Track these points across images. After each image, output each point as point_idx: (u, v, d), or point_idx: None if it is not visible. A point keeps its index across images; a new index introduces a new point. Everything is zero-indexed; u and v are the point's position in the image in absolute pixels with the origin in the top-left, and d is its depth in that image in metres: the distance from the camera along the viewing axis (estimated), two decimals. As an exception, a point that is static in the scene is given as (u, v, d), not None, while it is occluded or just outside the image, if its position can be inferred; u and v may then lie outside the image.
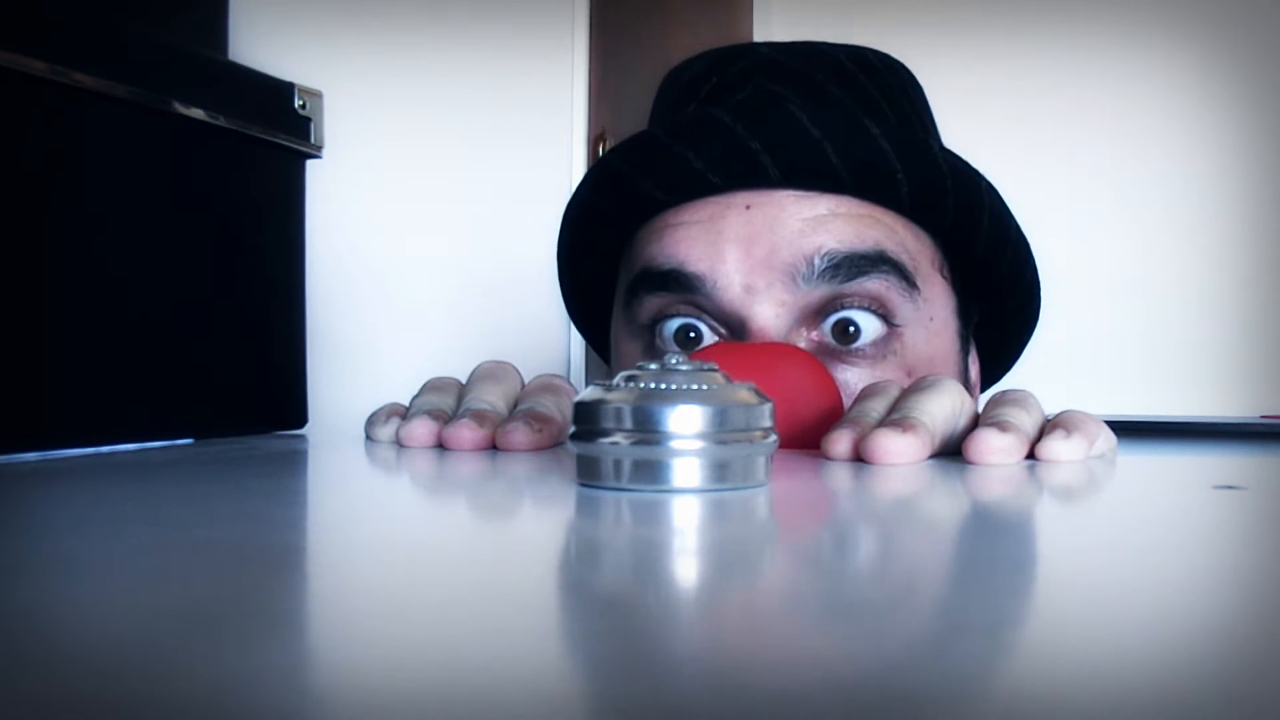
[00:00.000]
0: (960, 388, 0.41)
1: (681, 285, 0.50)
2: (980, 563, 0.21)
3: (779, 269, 0.49)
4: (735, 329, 0.50)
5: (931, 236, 0.53)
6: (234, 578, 0.18)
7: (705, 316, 0.51)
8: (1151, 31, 1.72)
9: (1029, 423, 0.38)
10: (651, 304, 0.52)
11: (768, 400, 0.30)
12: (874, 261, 0.49)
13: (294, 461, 0.42)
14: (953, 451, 0.39)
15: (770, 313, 0.49)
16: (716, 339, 0.51)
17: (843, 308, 0.49)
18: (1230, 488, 0.30)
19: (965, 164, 0.51)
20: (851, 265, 0.49)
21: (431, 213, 0.98)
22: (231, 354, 0.49)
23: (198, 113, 0.46)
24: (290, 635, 0.15)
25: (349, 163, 0.74)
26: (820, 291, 0.49)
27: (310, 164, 0.54)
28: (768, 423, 0.30)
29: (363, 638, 0.14)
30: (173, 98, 0.45)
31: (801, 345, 0.49)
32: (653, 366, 0.29)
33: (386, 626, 0.15)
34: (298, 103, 0.52)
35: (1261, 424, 1.55)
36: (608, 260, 0.57)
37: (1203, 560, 0.21)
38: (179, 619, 0.15)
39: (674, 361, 0.29)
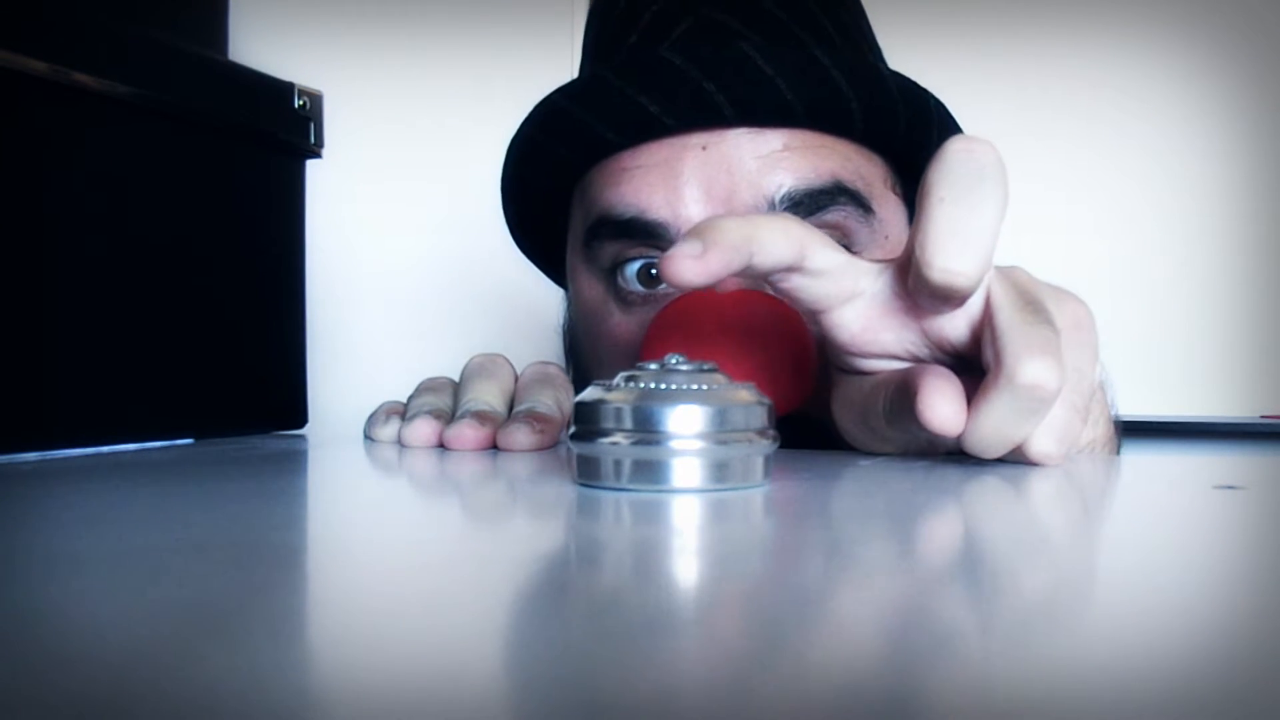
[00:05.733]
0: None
1: (643, 232, 0.50)
2: (979, 562, 0.21)
3: (739, 211, 0.49)
4: None
5: (882, 155, 0.53)
6: (234, 578, 0.18)
7: None
8: (1153, 30, 1.72)
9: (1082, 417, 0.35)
10: (612, 249, 0.52)
11: (767, 400, 0.30)
12: (831, 194, 0.50)
13: (294, 461, 0.42)
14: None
15: None
16: None
17: None
18: (1230, 488, 0.30)
19: (912, 84, 0.52)
20: (810, 200, 0.49)
21: (431, 213, 0.98)
22: (231, 354, 0.49)
23: (198, 113, 0.46)
24: (290, 635, 0.15)
25: (349, 163, 0.74)
26: None
27: (310, 164, 0.54)
28: (768, 423, 0.30)
29: (362, 637, 0.14)
30: (173, 98, 0.45)
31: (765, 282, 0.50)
32: (653, 367, 0.29)
33: (386, 626, 0.15)
34: (298, 103, 0.52)
35: (1261, 424, 1.55)
36: (557, 195, 0.57)
37: (1203, 560, 0.21)
38: (178, 619, 0.15)
39: (674, 361, 0.29)
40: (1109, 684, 0.12)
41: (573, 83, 0.53)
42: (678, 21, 0.52)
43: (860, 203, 0.50)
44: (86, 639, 0.14)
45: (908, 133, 0.52)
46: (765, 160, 0.49)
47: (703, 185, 0.49)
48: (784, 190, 0.49)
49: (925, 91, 0.52)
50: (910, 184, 0.55)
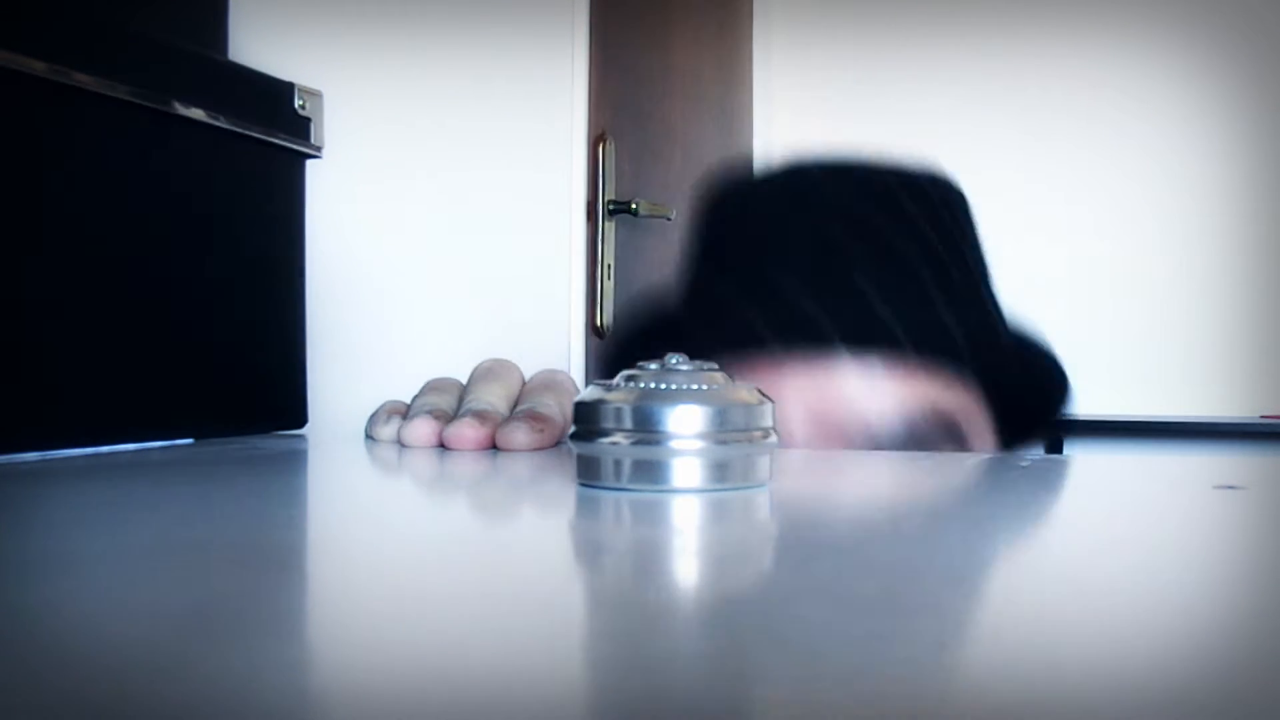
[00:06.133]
0: None
1: None
2: (980, 563, 0.21)
3: (835, 430, 0.50)
4: None
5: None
6: (234, 578, 0.18)
7: None
8: (1153, 30, 1.72)
9: None
10: None
11: (768, 400, 0.30)
12: (930, 423, 0.50)
13: (294, 461, 0.42)
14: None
15: None
16: None
17: None
18: (1230, 488, 0.30)
19: (1030, 340, 0.53)
20: (908, 428, 0.50)
21: (432, 213, 0.98)
22: (231, 354, 0.49)
23: (198, 113, 0.46)
24: (290, 635, 0.15)
25: (349, 163, 0.74)
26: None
27: (310, 164, 0.54)
28: (768, 423, 0.30)
29: (363, 638, 0.14)
30: (173, 98, 0.45)
31: None
32: (653, 366, 0.29)
33: (386, 626, 0.15)
34: (298, 103, 0.52)
35: (1261, 424, 1.55)
36: None
37: (1203, 560, 0.21)
38: (179, 618, 0.15)
39: (674, 361, 0.29)
40: (1109, 683, 0.12)
41: (684, 289, 0.54)
42: (795, 238, 0.53)
43: (956, 433, 0.51)
44: (85, 639, 0.14)
45: (1014, 381, 0.53)
46: (865, 385, 0.50)
47: (801, 404, 0.50)
48: (883, 416, 0.49)
49: (1039, 346, 0.53)
50: (1005, 419, 0.54)
